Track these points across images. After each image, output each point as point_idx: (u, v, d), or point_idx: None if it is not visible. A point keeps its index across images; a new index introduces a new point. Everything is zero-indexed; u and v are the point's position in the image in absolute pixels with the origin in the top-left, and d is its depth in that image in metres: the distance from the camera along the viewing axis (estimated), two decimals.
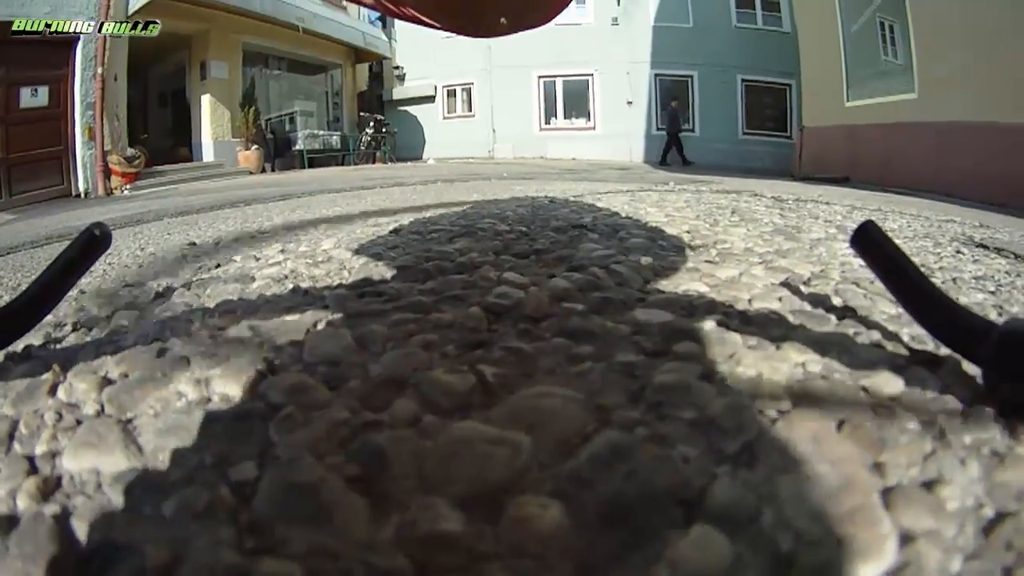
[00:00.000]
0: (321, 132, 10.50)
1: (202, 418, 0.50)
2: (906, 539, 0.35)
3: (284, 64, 10.22)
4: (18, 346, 0.68)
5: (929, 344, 0.63)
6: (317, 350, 0.64)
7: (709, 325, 0.69)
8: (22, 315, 0.64)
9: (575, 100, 12.06)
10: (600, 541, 0.35)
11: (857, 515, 0.36)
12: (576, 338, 0.66)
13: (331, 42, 10.42)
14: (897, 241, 0.64)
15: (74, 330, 0.79)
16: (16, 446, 0.48)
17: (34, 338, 0.71)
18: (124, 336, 0.73)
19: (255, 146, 8.67)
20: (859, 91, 6.84)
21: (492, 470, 0.41)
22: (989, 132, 4.58)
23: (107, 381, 0.59)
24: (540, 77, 11.97)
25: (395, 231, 1.55)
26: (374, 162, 10.68)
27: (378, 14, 10.83)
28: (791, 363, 0.57)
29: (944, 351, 0.59)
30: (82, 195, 6.33)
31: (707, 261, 1.09)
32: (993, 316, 0.84)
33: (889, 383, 0.52)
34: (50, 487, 0.43)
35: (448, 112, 12.87)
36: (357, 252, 1.24)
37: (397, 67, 12.80)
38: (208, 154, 8.39)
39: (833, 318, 0.74)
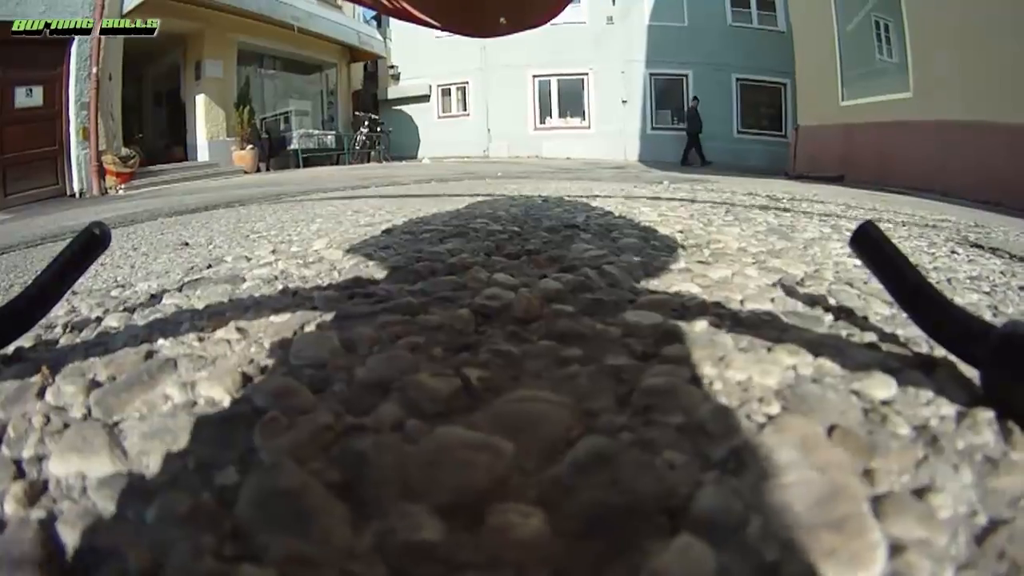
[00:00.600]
0: (316, 131, 10.48)
1: (187, 422, 0.50)
2: (896, 549, 0.34)
3: (279, 63, 10.21)
4: (8, 348, 0.67)
5: (923, 346, 0.63)
6: (303, 353, 0.64)
7: (700, 327, 0.68)
8: (22, 315, 0.64)
9: (570, 99, 12.07)
10: (581, 550, 0.34)
11: (846, 524, 0.35)
12: (565, 340, 0.65)
13: (326, 41, 10.41)
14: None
15: (64, 332, 0.78)
16: (4, 450, 0.48)
17: (25, 340, 0.71)
18: (114, 338, 0.72)
19: (250, 145, 8.65)
20: (854, 90, 6.87)
21: (474, 477, 0.40)
22: (984, 131, 4.60)
23: (95, 384, 0.58)
24: (535, 76, 11.97)
25: (387, 231, 1.54)
26: (369, 161, 10.67)
27: (374, 13, 10.82)
28: (782, 366, 0.57)
29: (939, 353, 0.59)
30: (77, 195, 6.31)
31: (700, 261, 1.08)
32: (988, 316, 0.83)
33: (882, 386, 0.52)
34: (36, 492, 0.42)
35: (443, 111, 12.86)
36: (348, 252, 1.23)
37: (392, 66, 12.78)
38: (203, 154, 8.37)
39: (826, 319, 0.73)
